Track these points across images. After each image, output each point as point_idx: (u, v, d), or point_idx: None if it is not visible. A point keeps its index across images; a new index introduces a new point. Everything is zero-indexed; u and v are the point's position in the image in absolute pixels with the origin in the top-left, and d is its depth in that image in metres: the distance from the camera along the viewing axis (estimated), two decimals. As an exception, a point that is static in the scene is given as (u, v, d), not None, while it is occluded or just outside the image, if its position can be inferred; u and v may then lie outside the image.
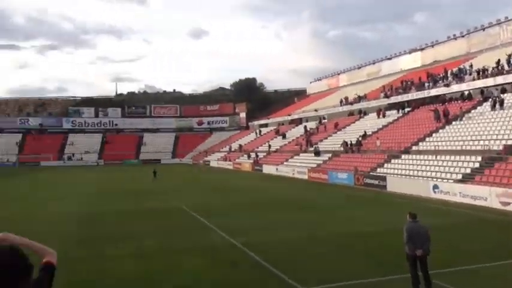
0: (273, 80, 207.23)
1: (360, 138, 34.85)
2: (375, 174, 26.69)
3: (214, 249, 11.12)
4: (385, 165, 27.65)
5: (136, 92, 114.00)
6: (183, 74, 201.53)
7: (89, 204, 20.41)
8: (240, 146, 59.82)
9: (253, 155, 50.00)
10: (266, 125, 67.19)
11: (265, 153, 49.10)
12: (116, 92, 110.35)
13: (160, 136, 77.74)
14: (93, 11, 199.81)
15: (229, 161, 54.24)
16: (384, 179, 24.73)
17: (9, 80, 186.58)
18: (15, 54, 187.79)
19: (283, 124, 61.37)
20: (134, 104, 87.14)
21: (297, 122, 57.63)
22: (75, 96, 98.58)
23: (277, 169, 39.57)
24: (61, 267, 2.64)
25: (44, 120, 77.38)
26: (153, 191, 25.88)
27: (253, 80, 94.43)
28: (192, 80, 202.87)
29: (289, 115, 61.56)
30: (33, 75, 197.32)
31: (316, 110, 53.92)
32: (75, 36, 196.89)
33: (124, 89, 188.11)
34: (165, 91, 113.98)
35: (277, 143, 51.55)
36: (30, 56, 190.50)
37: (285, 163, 40.71)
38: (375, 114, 40.64)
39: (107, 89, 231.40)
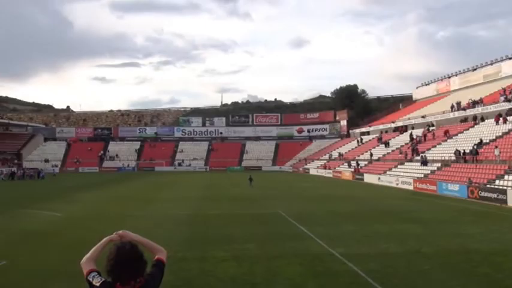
0: (375, 86, 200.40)
1: (475, 147, 31.75)
2: (492, 186, 24.06)
3: (313, 257, 11.05)
4: (506, 177, 24.77)
5: (240, 101, 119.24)
6: (283, 83, 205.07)
7: (194, 207, 21.73)
8: (340, 154, 58.66)
9: (353, 163, 48.67)
10: (368, 133, 64.89)
11: (366, 162, 47.45)
12: (222, 102, 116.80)
13: (261, 144, 79.91)
14: (202, 28, 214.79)
15: (329, 169, 53.50)
16: (503, 192, 22.16)
17: (131, 93, 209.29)
18: (136, 71, 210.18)
19: (386, 132, 58.68)
20: (238, 113, 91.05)
21: (402, 129, 54.59)
22: (185, 107, 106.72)
23: (379, 178, 37.95)
24: (168, 265, 2.89)
25: (158, 129, 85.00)
26: (251, 197, 26.63)
27: (355, 86, 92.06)
28: (293, 89, 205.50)
29: (393, 122, 58.68)
30: (150, 88, 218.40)
31: (423, 117, 50.57)
32: (186, 52, 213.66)
33: (229, 99, 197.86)
34: (266, 100, 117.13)
35: (379, 151, 49.45)
36: (148, 71, 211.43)
37: (387, 172, 38.84)
38: (492, 120, 36.70)
39: (213, 99, 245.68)
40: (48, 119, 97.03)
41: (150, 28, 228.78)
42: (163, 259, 2.83)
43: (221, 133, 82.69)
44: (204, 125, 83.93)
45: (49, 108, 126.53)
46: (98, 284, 2.52)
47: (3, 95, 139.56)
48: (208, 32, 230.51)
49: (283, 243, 12.88)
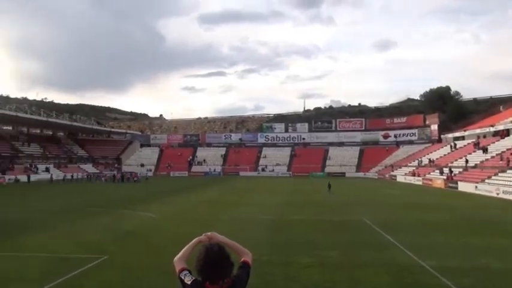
0: (470, 88, 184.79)
1: None
2: None
3: (400, 268, 10.50)
4: None
5: (323, 107, 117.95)
6: (368, 87, 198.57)
7: (278, 212, 21.86)
8: (431, 160, 54.99)
9: (446, 170, 45.29)
10: (462, 138, 59.92)
11: (461, 169, 43.87)
12: (304, 108, 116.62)
13: (345, 150, 78.01)
14: (286, 35, 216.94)
15: (418, 176, 50.41)
16: None
17: (217, 101, 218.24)
18: (222, 80, 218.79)
19: (484, 136, 53.65)
20: (320, 118, 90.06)
21: (503, 133, 49.54)
22: (268, 114, 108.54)
23: (476, 187, 34.83)
24: (253, 268, 2.93)
25: (243, 135, 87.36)
26: (335, 203, 26.05)
27: (447, 88, 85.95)
28: (378, 93, 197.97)
29: (492, 126, 53.48)
30: (235, 96, 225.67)
31: (528, 119, 45.49)
32: (269, 59, 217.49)
33: (311, 104, 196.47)
34: (350, 105, 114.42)
35: (476, 157, 45.42)
36: (233, 80, 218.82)
37: (486, 181, 35.48)
38: None
39: (296, 105, 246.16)
40: (143, 126, 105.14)
41: (236, 38, 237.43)
42: (250, 262, 2.91)
43: (304, 139, 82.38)
44: (286, 131, 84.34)
45: (144, 116, 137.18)
46: (189, 282, 2.67)
47: (106, 105, 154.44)
48: (291, 38, 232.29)
49: (368, 251, 12.42)
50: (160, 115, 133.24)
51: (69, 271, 9.95)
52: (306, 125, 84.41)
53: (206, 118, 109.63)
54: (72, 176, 57.51)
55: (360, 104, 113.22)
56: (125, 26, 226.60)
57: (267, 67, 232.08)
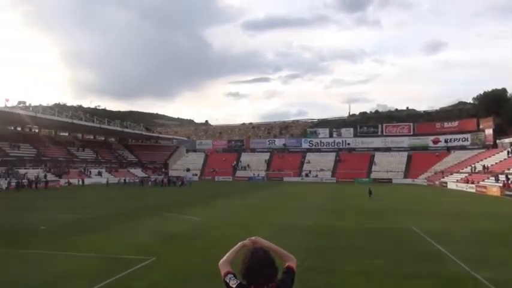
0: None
1: None
2: None
3: (451, 280, 9.99)
4: None
5: (368, 111, 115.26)
6: (416, 91, 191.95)
7: (321, 218, 21.55)
8: (485, 166, 52.11)
9: (502, 177, 42.75)
10: (520, 143, 56.40)
11: (519, 176, 41.27)
12: (349, 113, 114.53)
13: (391, 155, 75.72)
14: (330, 39, 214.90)
15: (472, 183, 47.88)
16: None
17: (261, 107, 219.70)
18: (266, 85, 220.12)
19: (544, 141, 50.21)
20: (366, 123, 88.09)
21: None
22: (312, 119, 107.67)
23: (536, 195, 32.61)
24: (296, 273, 2.94)
25: (286, 141, 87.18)
26: (381, 210, 25.26)
27: (503, 91, 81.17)
28: (427, 96, 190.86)
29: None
30: (279, 101, 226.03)
31: None
32: (314, 64, 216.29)
33: (356, 109, 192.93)
34: (397, 109, 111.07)
35: (536, 164, 42.55)
36: (277, 85, 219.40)
37: (548, 189, 33.13)
38: None
39: (340, 110, 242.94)
40: (189, 132, 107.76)
41: (280, 43, 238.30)
42: (294, 267, 2.90)
43: (349, 144, 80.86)
44: (331, 136, 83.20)
45: (190, 122, 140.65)
46: (234, 286, 2.71)
47: (154, 112, 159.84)
48: (336, 42, 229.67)
49: (417, 261, 11.93)
50: (206, 121, 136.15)
51: (120, 271, 10.35)
52: (351, 129, 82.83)
53: (250, 123, 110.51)
54: (125, 180, 60.28)
55: (407, 108, 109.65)
56: (173, 36, 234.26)
57: (311, 72, 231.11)
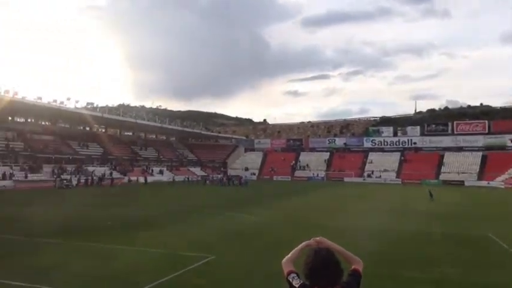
0: None
1: None
2: None
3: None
4: None
5: (437, 108, 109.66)
6: (492, 85, 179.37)
7: (385, 221, 20.80)
8: None
9: None
10: None
11: None
12: (415, 110, 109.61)
13: (463, 155, 71.31)
14: (394, 32, 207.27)
15: (558, 187, 43.83)
16: None
17: (320, 105, 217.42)
18: (326, 83, 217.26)
19: None
20: (434, 121, 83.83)
21: None
22: (375, 117, 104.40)
23: None
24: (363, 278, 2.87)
25: (347, 140, 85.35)
26: (452, 215, 23.81)
27: None
28: (505, 91, 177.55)
29: None
30: (339, 99, 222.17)
31: None
32: (376, 60, 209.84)
33: (423, 106, 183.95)
34: (469, 105, 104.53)
35: None
36: (337, 82, 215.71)
37: None
38: None
39: (405, 107, 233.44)
40: (248, 131, 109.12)
41: (340, 39, 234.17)
42: (360, 270, 2.82)
43: (415, 143, 77.36)
44: (395, 134, 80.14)
45: (249, 121, 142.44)
46: (297, 286, 2.69)
47: (213, 111, 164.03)
48: (401, 36, 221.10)
49: (495, 272, 11.11)
50: (264, 120, 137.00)
51: (181, 267, 10.74)
52: (418, 128, 79.15)
53: (309, 122, 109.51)
54: (188, 178, 63.05)
55: (481, 104, 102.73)
56: (231, 34, 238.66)
57: (373, 68, 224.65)
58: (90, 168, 56.32)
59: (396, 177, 69.20)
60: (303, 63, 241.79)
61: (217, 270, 10.77)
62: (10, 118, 57.65)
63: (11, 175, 44.35)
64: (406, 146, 77.75)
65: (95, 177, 51.90)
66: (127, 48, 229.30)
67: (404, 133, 79.52)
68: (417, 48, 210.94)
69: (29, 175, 46.14)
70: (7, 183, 42.43)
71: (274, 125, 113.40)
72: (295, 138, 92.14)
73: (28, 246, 13.46)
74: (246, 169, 79.63)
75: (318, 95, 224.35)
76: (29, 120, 61.22)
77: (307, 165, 79.24)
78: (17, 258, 11.84)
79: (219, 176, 68.86)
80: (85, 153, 61.06)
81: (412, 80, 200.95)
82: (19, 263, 11.31)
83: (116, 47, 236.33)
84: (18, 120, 60.28)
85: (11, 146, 50.17)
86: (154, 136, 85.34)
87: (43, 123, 63.24)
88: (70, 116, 60.09)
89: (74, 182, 48.21)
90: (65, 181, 46.78)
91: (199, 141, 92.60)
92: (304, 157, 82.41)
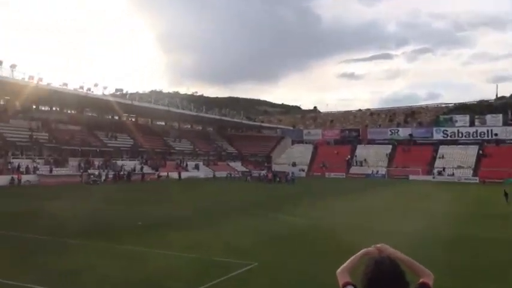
0: None
1: None
2: None
3: None
4: None
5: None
6: None
7: (458, 226, 20.20)
8: None
9: None
10: None
11: None
12: (497, 95, 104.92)
13: (558, 149, 67.61)
14: (470, 3, 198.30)
15: None
16: None
17: (381, 89, 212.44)
18: (387, 63, 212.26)
19: None
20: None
21: None
22: (447, 103, 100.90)
23: None
24: None
25: (413, 130, 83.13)
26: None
27: None
28: None
29: None
30: (404, 83, 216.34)
31: None
32: (448, 35, 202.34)
33: (506, 90, 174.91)
34: None
35: None
36: (401, 63, 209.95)
37: None
38: None
39: (485, 91, 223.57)
40: (295, 120, 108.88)
41: (404, 12, 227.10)
42: (430, 284, 2.71)
43: (496, 135, 74.20)
44: (472, 124, 77.25)
45: (296, 109, 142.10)
46: None
47: (256, 98, 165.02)
48: (478, 6, 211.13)
49: None
50: (314, 107, 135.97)
51: (219, 275, 10.89)
52: (500, 116, 75.94)
53: (368, 110, 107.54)
54: (230, 174, 64.53)
55: None
56: (275, 10, 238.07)
57: (444, 45, 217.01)
58: (119, 162, 58.47)
59: (473, 175, 66.82)
60: (360, 41, 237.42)
61: (261, 280, 10.84)
62: (34, 106, 60.91)
63: (35, 169, 46.90)
64: (485, 137, 75.01)
65: (124, 173, 53.85)
66: (159, 28, 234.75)
67: (483, 122, 76.64)
68: (498, 20, 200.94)
69: (54, 169, 48.63)
70: (31, 177, 45.01)
71: (326, 113, 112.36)
72: (351, 129, 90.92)
73: (53, 246, 14.18)
74: (294, 164, 79.66)
75: (378, 78, 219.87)
76: (54, 108, 64.42)
77: (365, 160, 78.13)
78: (41, 259, 12.51)
79: (263, 172, 69.28)
80: (113, 145, 63.42)
81: (492, 58, 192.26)
82: (43, 264, 11.93)
83: (146, 27, 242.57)
84: (43, 108, 63.58)
85: (34, 137, 52.98)
86: (189, 126, 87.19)
87: (69, 111, 66.33)
88: (97, 104, 62.63)
89: (102, 178, 50.22)
90: (92, 176, 48.87)
91: (239, 132, 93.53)
92: (362, 151, 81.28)
